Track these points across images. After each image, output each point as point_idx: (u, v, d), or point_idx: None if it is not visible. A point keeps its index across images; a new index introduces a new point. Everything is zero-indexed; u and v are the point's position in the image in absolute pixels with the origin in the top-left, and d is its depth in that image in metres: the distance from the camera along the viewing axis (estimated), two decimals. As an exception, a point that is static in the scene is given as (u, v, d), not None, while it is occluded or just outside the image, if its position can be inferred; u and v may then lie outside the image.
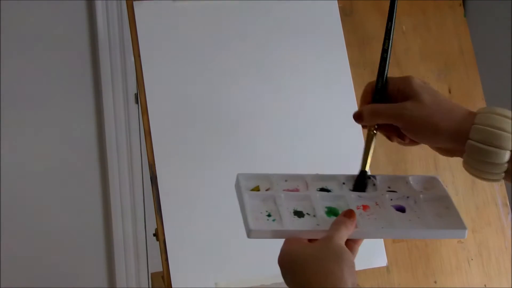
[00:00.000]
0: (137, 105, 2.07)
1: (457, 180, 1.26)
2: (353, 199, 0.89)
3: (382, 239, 1.19)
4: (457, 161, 1.25)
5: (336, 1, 1.25)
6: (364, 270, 1.18)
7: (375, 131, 0.89)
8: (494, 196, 1.27)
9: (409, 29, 1.30)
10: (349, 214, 0.84)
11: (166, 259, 1.10)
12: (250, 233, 0.83)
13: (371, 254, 1.19)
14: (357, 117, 0.89)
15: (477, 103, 1.29)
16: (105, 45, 2.02)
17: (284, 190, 0.89)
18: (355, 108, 1.19)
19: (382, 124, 0.88)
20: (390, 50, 0.89)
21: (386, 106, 0.87)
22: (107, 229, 2.17)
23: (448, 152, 0.85)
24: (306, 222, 0.85)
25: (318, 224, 0.85)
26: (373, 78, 1.25)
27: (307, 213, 0.87)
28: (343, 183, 0.92)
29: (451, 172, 1.25)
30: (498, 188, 1.27)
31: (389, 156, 1.23)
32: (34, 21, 1.97)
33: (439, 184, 0.94)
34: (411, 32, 1.30)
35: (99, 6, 2.00)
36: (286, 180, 0.91)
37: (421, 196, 0.91)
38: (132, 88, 2.07)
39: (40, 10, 1.98)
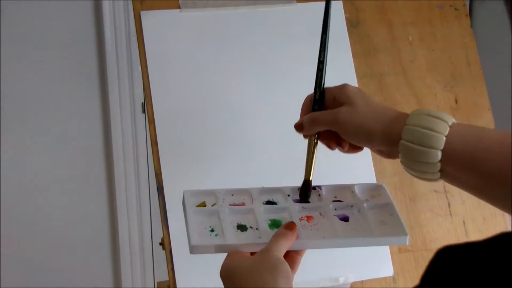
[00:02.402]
0: (143, 114, 2.08)
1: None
2: (296, 211, 0.91)
3: (388, 248, 1.19)
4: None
5: (343, 12, 1.26)
6: (370, 280, 1.18)
7: (316, 140, 0.92)
8: (500, 207, 1.27)
9: (415, 39, 1.30)
10: (290, 226, 0.86)
11: (172, 269, 1.10)
12: (192, 249, 0.85)
13: (377, 264, 1.19)
14: (298, 127, 0.93)
15: (483, 113, 1.29)
16: (112, 54, 2.03)
17: (230, 204, 0.91)
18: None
19: (322, 133, 0.92)
20: (326, 61, 0.93)
21: (323, 112, 0.90)
22: (113, 238, 2.17)
23: (388, 154, 0.87)
24: (248, 236, 0.87)
25: (259, 237, 0.86)
26: (379, 89, 1.26)
27: (250, 227, 0.89)
28: (288, 195, 0.94)
29: (457, 183, 1.25)
30: (505, 199, 1.27)
31: (396, 167, 1.23)
32: (40, 31, 1.98)
33: (384, 191, 0.96)
34: (418, 42, 1.30)
35: (107, 16, 2.01)
36: (232, 195, 0.93)
37: (365, 204, 0.93)
38: (139, 98, 2.07)
39: (47, 20, 1.98)
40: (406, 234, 0.89)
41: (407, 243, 0.90)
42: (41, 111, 2.03)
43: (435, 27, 1.32)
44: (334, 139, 0.92)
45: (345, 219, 0.92)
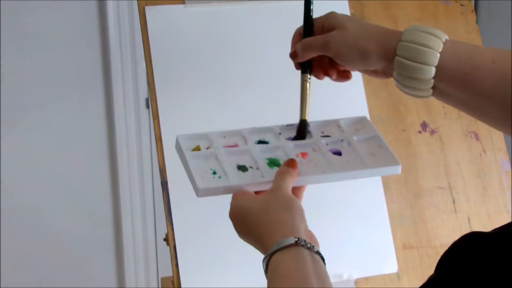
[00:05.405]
0: (148, 110, 2.08)
1: (468, 187, 1.25)
2: (291, 148, 0.92)
3: (393, 245, 1.19)
4: (469, 169, 1.26)
5: (348, 9, 1.25)
6: (374, 277, 1.18)
7: (309, 78, 0.93)
8: (506, 204, 1.26)
9: (420, 35, 1.30)
10: (291, 163, 0.87)
11: (176, 264, 1.10)
12: (198, 192, 0.85)
13: (381, 260, 1.19)
14: (292, 55, 0.94)
15: (488, 110, 1.29)
16: (116, 49, 2.03)
17: (224, 146, 0.92)
18: (365, 115, 1.19)
19: (317, 64, 0.93)
20: None
21: (314, 37, 0.91)
22: (117, 233, 2.18)
23: (383, 72, 0.88)
24: (251, 175, 0.88)
25: (262, 176, 0.87)
26: (384, 86, 1.25)
27: (250, 167, 0.89)
28: (279, 133, 0.95)
29: (462, 179, 1.25)
30: (510, 195, 1.27)
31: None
32: (44, 26, 1.98)
33: (368, 124, 0.97)
34: (423, 38, 1.30)
35: (111, 11, 2.00)
36: (224, 137, 0.94)
37: (354, 138, 0.94)
38: (143, 93, 2.07)
39: (51, 15, 1.98)
40: (398, 164, 0.92)
41: (400, 172, 0.92)
42: (44, 107, 2.03)
43: (440, 23, 1.31)
44: (322, 68, 0.93)
45: (338, 153, 0.93)
